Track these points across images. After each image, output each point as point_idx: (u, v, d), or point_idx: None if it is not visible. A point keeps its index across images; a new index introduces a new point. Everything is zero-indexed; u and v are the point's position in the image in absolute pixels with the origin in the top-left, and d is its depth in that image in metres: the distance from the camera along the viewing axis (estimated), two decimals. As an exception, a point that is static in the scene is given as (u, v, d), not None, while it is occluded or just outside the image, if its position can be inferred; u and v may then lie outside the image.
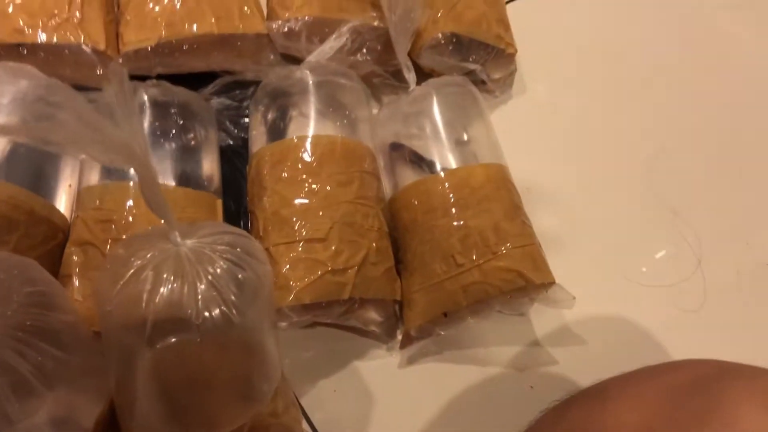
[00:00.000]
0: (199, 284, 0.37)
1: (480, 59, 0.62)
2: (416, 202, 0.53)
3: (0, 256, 0.37)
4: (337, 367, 0.54)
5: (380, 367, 0.54)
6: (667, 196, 0.65)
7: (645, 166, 0.66)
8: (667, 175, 0.66)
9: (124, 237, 0.46)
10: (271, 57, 0.60)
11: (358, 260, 0.49)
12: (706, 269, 0.62)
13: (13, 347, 0.33)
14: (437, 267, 0.51)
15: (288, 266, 0.48)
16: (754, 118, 0.71)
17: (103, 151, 0.34)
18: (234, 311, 0.37)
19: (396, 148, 0.57)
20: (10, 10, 0.53)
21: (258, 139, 0.56)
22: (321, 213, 0.50)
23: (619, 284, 0.60)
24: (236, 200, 0.57)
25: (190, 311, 0.36)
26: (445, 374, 0.54)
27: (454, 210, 0.52)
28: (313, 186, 0.51)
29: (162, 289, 0.36)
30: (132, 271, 0.37)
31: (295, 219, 0.50)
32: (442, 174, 0.53)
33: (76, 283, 0.45)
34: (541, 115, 0.68)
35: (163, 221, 0.37)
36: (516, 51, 0.64)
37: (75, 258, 0.46)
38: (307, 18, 0.58)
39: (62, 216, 0.49)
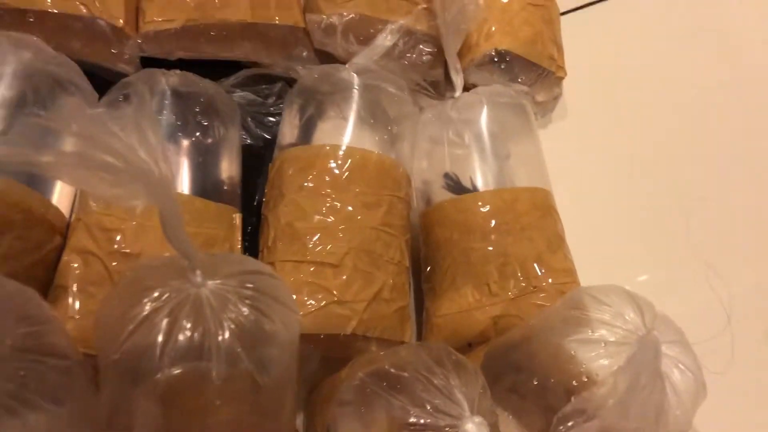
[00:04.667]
0: (220, 335, 0.32)
1: (528, 80, 0.57)
2: (453, 220, 0.49)
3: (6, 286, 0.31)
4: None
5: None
6: (703, 247, 0.61)
7: (683, 211, 0.62)
8: (705, 224, 0.62)
9: (130, 251, 0.41)
10: (304, 53, 0.54)
11: (369, 294, 0.45)
12: (736, 327, 0.58)
13: (2, 404, 0.28)
14: (468, 293, 0.47)
15: (292, 288, 0.43)
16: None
17: (114, 184, 0.29)
18: (259, 370, 0.32)
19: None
20: (21, -29, 0.47)
21: (287, 137, 0.51)
22: (339, 235, 0.45)
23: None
24: (246, 204, 0.51)
25: (209, 368, 0.32)
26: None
27: (494, 235, 0.48)
28: (336, 203, 0.46)
29: (178, 338, 0.32)
30: (144, 314, 0.32)
31: (309, 236, 0.45)
32: (483, 194, 0.50)
33: (72, 299, 0.40)
34: (581, 144, 0.63)
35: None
36: (565, 75, 0.59)
37: (74, 267, 0.41)
38: (353, 15, 0.52)
39: (61, 215, 0.44)
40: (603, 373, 0.38)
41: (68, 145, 0.28)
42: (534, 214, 0.49)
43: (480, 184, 0.51)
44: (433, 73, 0.57)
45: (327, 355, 0.48)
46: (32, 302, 0.31)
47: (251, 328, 0.33)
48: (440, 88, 0.57)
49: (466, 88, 0.55)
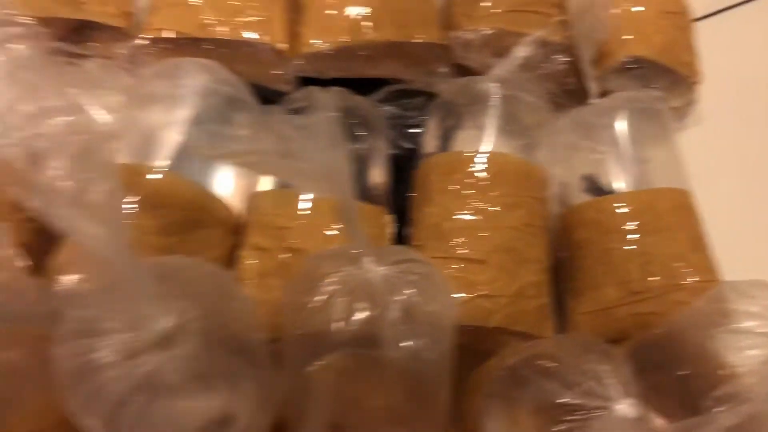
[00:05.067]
0: (391, 316, 0.36)
1: (663, 86, 0.58)
2: (592, 221, 0.51)
3: (200, 266, 0.37)
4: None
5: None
6: None
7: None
8: None
9: (300, 247, 0.46)
10: (443, 68, 0.58)
11: (513, 290, 0.47)
12: None
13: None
14: (610, 292, 0.48)
15: None
16: None
17: (303, 179, 0.34)
18: (426, 346, 0.36)
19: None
20: (198, 4, 0.53)
21: (430, 146, 0.55)
22: (483, 234, 0.48)
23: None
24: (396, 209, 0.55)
25: (382, 342, 0.35)
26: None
27: (635, 235, 0.49)
28: (479, 204, 0.49)
29: (353, 318, 0.36)
30: (323, 297, 0.36)
31: (455, 235, 0.48)
32: (622, 195, 0.51)
33: (252, 289, 0.45)
34: (718, 151, 0.63)
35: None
36: (701, 80, 0.59)
37: (250, 263, 0.46)
38: (491, 30, 0.56)
39: (237, 217, 0.49)
40: (752, 364, 0.39)
41: (269, 144, 0.33)
42: (675, 214, 0.49)
43: (619, 186, 0.52)
44: (568, 81, 0.59)
45: (469, 347, 0.51)
46: (230, 282, 0.36)
47: (417, 310, 0.36)
48: (576, 95, 0.59)
49: (602, 95, 0.57)
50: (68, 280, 0.37)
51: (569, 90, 0.60)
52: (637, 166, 0.53)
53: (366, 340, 0.36)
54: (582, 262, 0.51)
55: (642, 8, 0.58)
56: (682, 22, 0.59)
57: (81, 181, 0.29)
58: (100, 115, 0.43)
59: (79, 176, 0.29)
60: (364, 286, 0.37)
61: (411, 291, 0.37)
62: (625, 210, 0.50)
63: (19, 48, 0.35)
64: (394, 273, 0.37)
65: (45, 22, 0.51)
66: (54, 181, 0.28)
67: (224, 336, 0.35)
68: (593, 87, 0.56)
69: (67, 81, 0.45)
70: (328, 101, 0.51)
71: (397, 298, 0.37)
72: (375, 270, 0.37)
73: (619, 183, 0.52)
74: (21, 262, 0.38)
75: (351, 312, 0.36)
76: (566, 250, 0.53)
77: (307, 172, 0.34)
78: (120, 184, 0.30)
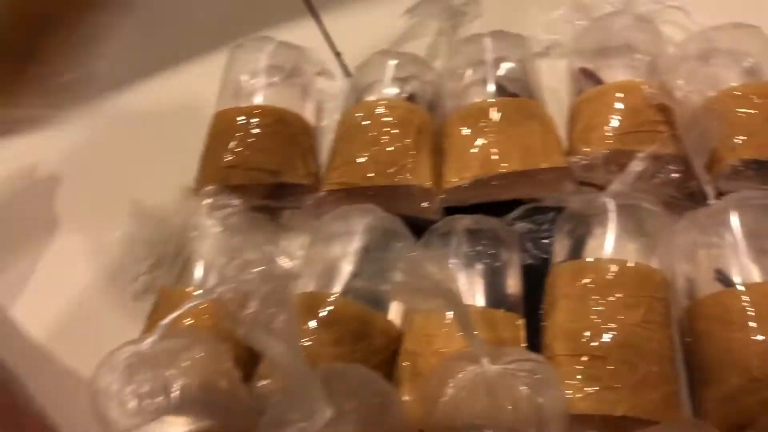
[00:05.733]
0: (504, 405, 0.45)
1: (780, 183, 0.62)
2: (713, 314, 0.55)
3: (358, 370, 0.49)
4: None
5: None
6: None
7: None
8: None
9: (445, 350, 0.56)
10: (570, 186, 0.67)
11: (634, 380, 0.53)
12: None
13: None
14: (733, 380, 0.52)
15: (567, 376, 0.54)
16: None
17: (425, 300, 0.45)
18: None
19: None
20: (363, 160, 0.68)
21: (559, 255, 0.63)
22: (604, 332, 0.55)
23: None
24: (532, 313, 0.63)
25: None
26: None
27: (753, 324, 0.53)
28: (600, 306, 0.56)
29: (476, 408, 0.45)
30: (451, 392, 0.46)
31: (579, 334, 0.55)
32: (742, 288, 0.55)
33: (407, 387, 0.56)
34: None
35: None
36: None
37: (406, 365, 0.57)
38: (607, 151, 0.64)
39: (396, 329, 0.61)
40: None
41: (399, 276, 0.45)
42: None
43: (740, 279, 0.56)
44: (687, 185, 0.65)
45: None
46: (382, 384, 0.48)
47: (526, 400, 0.45)
48: (697, 198, 0.64)
49: (719, 196, 0.62)
50: (267, 385, 0.51)
51: (690, 193, 0.65)
52: (759, 258, 0.57)
53: (484, 426, 0.44)
54: (705, 353, 0.55)
55: (751, 111, 0.63)
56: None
57: (269, 315, 0.42)
58: (285, 262, 0.58)
59: (267, 311, 0.42)
60: (483, 381, 0.46)
61: (521, 385, 0.45)
62: (743, 301, 0.54)
63: (231, 219, 0.51)
64: (507, 370, 0.46)
65: (250, 187, 0.70)
66: (251, 316, 0.42)
67: (376, 424, 0.46)
68: (709, 190, 0.61)
69: (266, 236, 0.61)
70: (461, 227, 0.62)
71: (509, 391, 0.45)
72: (491, 368, 0.46)
73: (741, 275, 0.56)
74: (237, 373, 0.52)
75: (471, 403, 0.45)
76: (692, 342, 0.57)
77: (429, 298, 0.45)
78: (295, 314, 0.43)
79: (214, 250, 0.55)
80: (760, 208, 0.58)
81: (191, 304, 0.49)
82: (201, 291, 0.53)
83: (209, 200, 0.59)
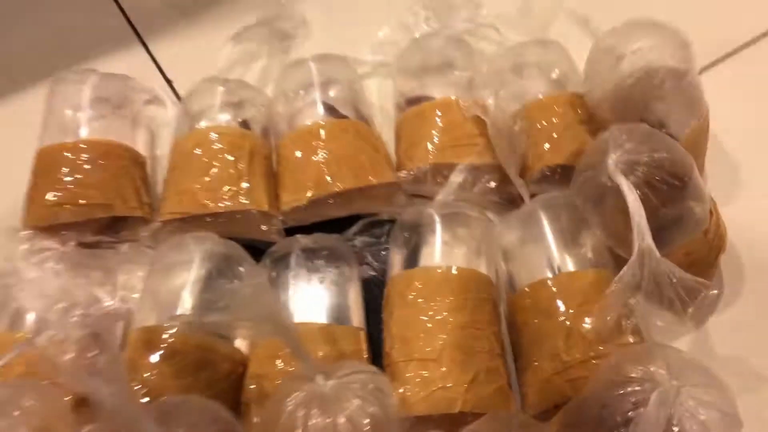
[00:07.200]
0: (338, 419, 0.47)
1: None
2: (528, 305, 0.61)
3: (194, 401, 0.49)
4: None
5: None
6: None
7: None
8: None
9: (288, 368, 0.57)
10: (403, 199, 0.71)
11: (467, 379, 0.57)
12: None
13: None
14: (546, 365, 0.57)
15: (405, 382, 0.57)
16: None
17: (254, 329, 0.46)
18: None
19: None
20: (196, 189, 0.68)
21: (395, 267, 0.66)
22: (435, 335, 0.58)
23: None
24: (378, 325, 0.66)
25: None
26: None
27: (561, 310, 0.58)
28: (431, 311, 0.60)
29: (312, 422, 0.47)
30: (289, 408, 0.48)
31: (413, 340, 0.59)
32: (551, 278, 0.61)
33: (255, 409, 0.57)
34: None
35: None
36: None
37: (253, 387, 0.58)
38: (428, 166, 0.68)
39: (242, 353, 0.62)
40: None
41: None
42: (592, 290, 0.58)
43: (549, 271, 0.62)
44: (508, 190, 0.70)
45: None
46: (221, 411, 0.48)
47: (359, 411, 0.47)
48: (517, 201, 0.70)
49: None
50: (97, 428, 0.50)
51: (511, 198, 0.70)
52: (568, 253, 0.63)
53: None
54: (522, 341, 0.61)
55: (554, 119, 0.69)
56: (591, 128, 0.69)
57: (91, 358, 0.42)
58: (109, 302, 0.57)
59: (88, 354, 0.42)
60: (318, 398, 0.48)
61: (354, 398, 0.48)
62: (551, 291, 0.60)
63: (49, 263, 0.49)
64: (341, 384, 0.48)
65: (83, 223, 0.68)
66: (71, 361, 0.41)
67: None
68: (524, 194, 0.67)
69: (102, 272, 0.60)
70: (298, 247, 0.64)
71: (344, 404, 0.47)
72: (326, 384, 0.48)
73: (548, 268, 0.62)
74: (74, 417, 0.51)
75: (308, 419, 0.47)
76: (512, 333, 0.62)
77: (258, 326, 0.46)
78: (118, 354, 0.43)
79: (32, 296, 0.53)
80: (563, 207, 0.64)
81: (10, 356, 0.47)
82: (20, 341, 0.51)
83: (25, 245, 0.56)
